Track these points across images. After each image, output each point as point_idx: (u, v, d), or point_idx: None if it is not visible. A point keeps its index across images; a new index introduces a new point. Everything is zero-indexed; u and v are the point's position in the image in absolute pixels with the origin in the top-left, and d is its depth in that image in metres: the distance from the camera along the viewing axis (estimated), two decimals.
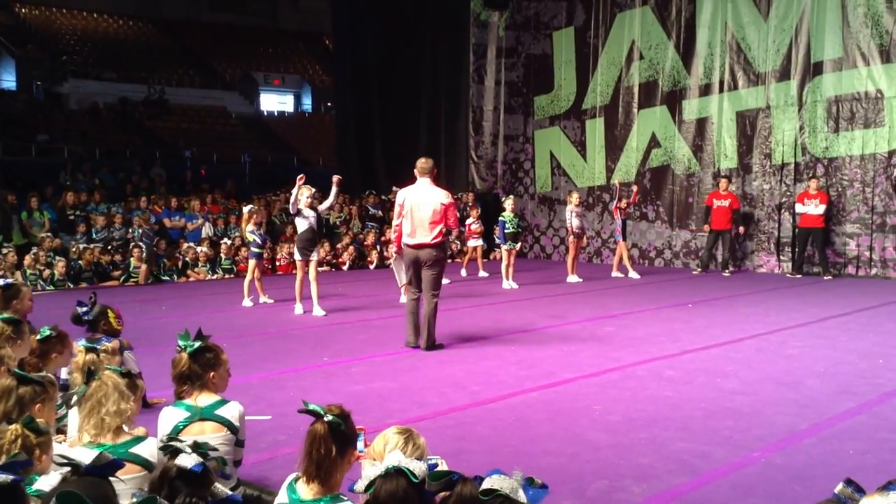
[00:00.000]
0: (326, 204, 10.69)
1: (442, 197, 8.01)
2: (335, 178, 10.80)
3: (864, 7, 13.92)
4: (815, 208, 14.05)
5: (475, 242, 15.17)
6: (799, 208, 14.32)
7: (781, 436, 5.20)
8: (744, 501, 4.12)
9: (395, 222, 8.36)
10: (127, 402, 3.27)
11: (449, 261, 13.80)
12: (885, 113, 13.86)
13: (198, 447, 2.48)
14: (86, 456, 2.51)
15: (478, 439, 5.19)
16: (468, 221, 15.23)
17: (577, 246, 14.18)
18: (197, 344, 3.74)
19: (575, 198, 14.04)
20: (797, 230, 14.64)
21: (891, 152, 13.87)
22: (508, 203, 13.58)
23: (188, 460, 2.37)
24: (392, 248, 9.79)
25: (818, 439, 5.14)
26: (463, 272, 14.95)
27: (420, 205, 7.95)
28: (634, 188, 15.64)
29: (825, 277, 13.97)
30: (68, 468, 2.37)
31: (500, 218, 13.52)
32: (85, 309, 5.44)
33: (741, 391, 6.35)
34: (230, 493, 2.19)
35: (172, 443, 2.51)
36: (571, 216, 13.85)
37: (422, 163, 8.18)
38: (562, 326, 9.48)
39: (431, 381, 6.79)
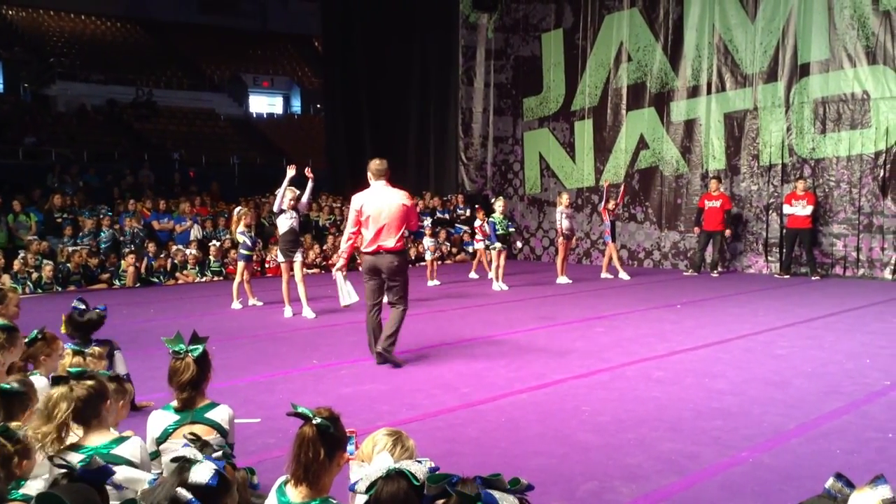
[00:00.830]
0: (304, 199, 10.53)
1: (403, 198, 7.44)
2: (308, 171, 10.63)
3: (850, 9, 14.02)
4: (802, 209, 14.14)
5: (482, 245, 15.14)
6: (786, 209, 14.41)
7: (769, 436, 5.23)
8: (732, 501, 4.14)
9: (348, 230, 7.60)
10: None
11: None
12: (871, 114, 13.96)
13: (202, 444, 2.45)
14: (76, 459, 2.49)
15: (467, 441, 5.20)
16: (476, 223, 15.18)
17: (567, 247, 14.22)
18: (200, 347, 3.69)
19: (564, 199, 14.09)
20: (785, 231, 14.73)
21: (877, 153, 13.97)
22: (499, 204, 13.56)
23: (202, 474, 2.28)
24: (339, 260, 8.53)
25: (806, 439, 5.17)
26: (472, 274, 14.89)
27: (381, 209, 7.33)
28: (621, 188, 15.70)
29: (813, 278, 14.05)
30: (63, 471, 2.35)
31: (490, 219, 13.52)
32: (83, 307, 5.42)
33: (729, 391, 6.38)
34: (191, 497, 2.15)
35: (184, 453, 2.36)
36: (561, 217, 13.90)
37: (376, 164, 7.49)
38: (551, 328, 9.50)
39: (421, 383, 6.79)
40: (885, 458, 4.78)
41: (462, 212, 18.94)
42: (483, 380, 6.89)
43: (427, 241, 14.50)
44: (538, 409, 5.92)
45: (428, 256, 14.20)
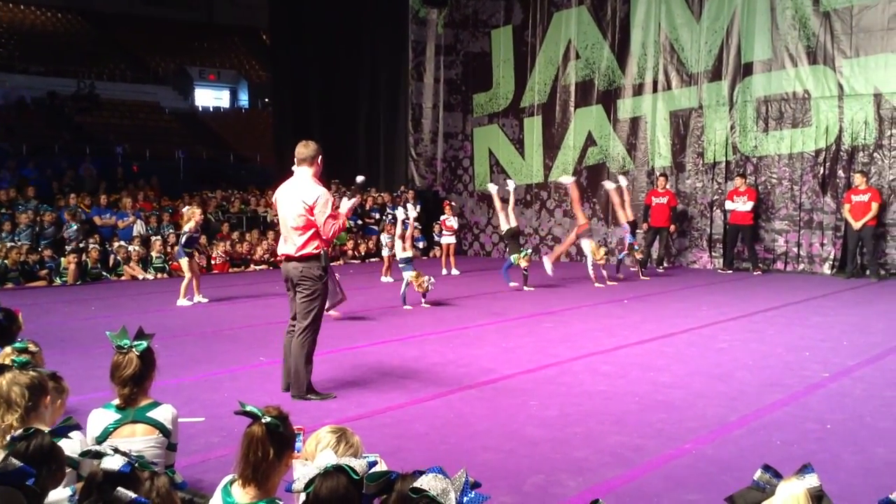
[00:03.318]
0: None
1: (307, 194, 6.00)
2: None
3: (792, 10, 14.35)
4: (743, 205, 14.47)
5: (449, 239, 15.04)
6: (728, 205, 14.73)
7: (712, 427, 5.33)
8: (675, 492, 4.20)
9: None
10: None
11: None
12: (812, 113, 14.32)
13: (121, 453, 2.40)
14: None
15: (416, 437, 5.19)
16: (442, 217, 15.10)
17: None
18: (144, 343, 3.59)
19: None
20: (727, 227, 15.04)
21: (817, 151, 14.34)
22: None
23: (114, 462, 2.28)
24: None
25: (747, 430, 5.28)
26: (444, 271, 14.74)
27: (283, 205, 6.18)
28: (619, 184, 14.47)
29: (754, 273, 14.37)
30: None
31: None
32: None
33: (674, 384, 6.49)
34: (135, 495, 2.11)
35: (92, 448, 2.42)
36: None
37: (299, 148, 6.19)
38: (501, 323, 9.54)
39: (370, 379, 6.75)
40: (823, 448, 4.91)
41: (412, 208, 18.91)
42: (432, 375, 6.88)
43: (384, 238, 14.35)
44: (487, 405, 5.94)
45: (384, 253, 14.09)
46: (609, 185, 14.08)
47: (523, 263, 12.12)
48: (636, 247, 13.93)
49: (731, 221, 14.80)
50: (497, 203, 12.93)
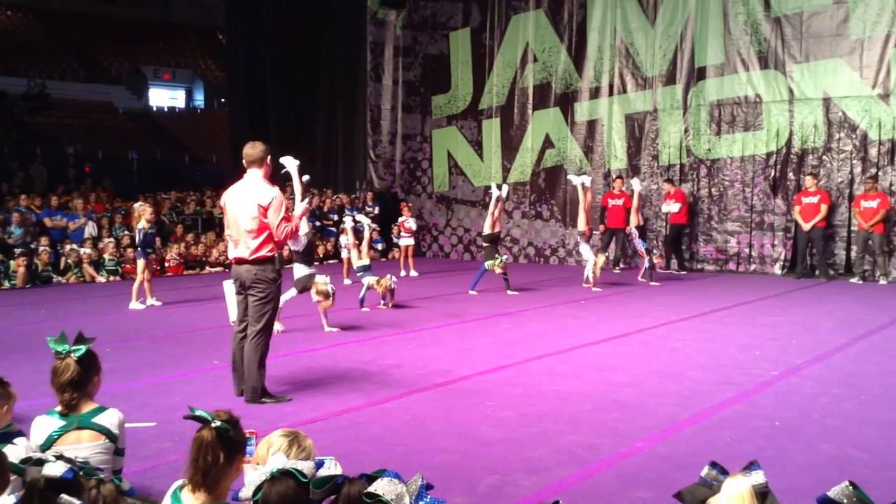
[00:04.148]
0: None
1: (260, 196, 5.95)
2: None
3: (744, 15, 14.64)
4: (674, 206, 14.88)
5: (407, 241, 14.94)
6: (664, 208, 15.07)
7: (665, 426, 5.40)
8: (628, 490, 4.25)
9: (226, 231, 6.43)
10: None
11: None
12: (763, 117, 14.62)
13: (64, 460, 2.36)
14: None
15: (371, 439, 5.17)
16: (401, 219, 15.01)
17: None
18: (83, 348, 3.52)
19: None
20: (669, 227, 15.36)
21: (768, 154, 14.64)
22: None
23: (56, 468, 2.24)
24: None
25: (699, 428, 5.36)
26: (403, 272, 14.66)
27: (235, 207, 6.06)
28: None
29: (680, 272, 14.75)
30: None
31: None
32: None
33: (628, 384, 6.57)
34: (79, 503, 2.08)
35: (33, 455, 2.36)
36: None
37: (247, 149, 6.12)
38: (459, 325, 9.55)
39: (326, 382, 6.71)
40: (772, 444, 5.01)
41: (371, 209, 18.83)
42: (389, 378, 6.86)
43: (343, 239, 14.23)
44: (443, 406, 5.94)
45: (344, 255, 14.03)
46: (576, 179, 13.69)
47: (498, 270, 11.96)
48: (654, 251, 13.98)
49: (671, 222, 15.19)
50: (492, 205, 12.41)
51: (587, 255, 12.72)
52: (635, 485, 4.32)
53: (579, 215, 12.92)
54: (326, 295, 8.95)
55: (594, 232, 14.69)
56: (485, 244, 12.58)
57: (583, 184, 13.02)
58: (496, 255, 12.11)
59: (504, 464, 4.66)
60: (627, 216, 15.11)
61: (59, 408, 3.53)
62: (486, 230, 12.44)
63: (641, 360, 7.52)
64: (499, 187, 12.70)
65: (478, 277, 12.39)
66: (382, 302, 10.82)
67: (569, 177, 15.00)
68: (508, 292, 12.15)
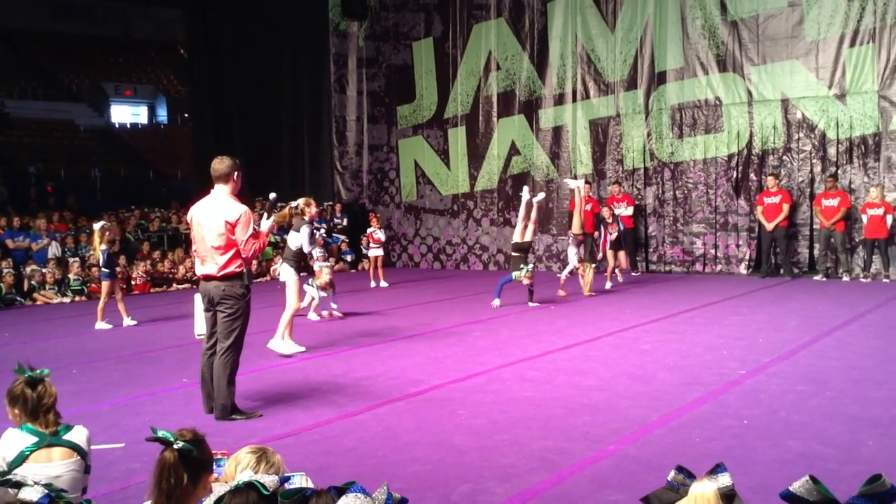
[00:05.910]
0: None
1: (228, 212, 5.92)
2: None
3: (701, 19, 14.87)
4: (625, 209, 15.07)
5: (376, 252, 14.86)
6: (617, 211, 15.21)
7: (635, 428, 5.44)
8: (600, 493, 4.28)
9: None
10: None
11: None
12: (723, 119, 14.84)
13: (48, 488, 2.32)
14: None
15: (344, 452, 5.14)
16: (370, 230, 14.99)
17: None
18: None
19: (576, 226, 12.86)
20: (623, 231, 15.49)
21: (730, 156, 14.86)
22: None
23: (33, 493, 2.20)
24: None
25: (668, 429, 5.41)
26: (373, 283, 14.63)
27: (202, 223, 6.02)
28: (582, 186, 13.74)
29: (633, 273, 14.93)
30: None
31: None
32: None
33: (598, 387, 6.61)
34: None
35: (11, 477, 2.31)
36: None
37: (215, 164, 6.08)
38: (429, 333, 9.55)
39: (296, 396, 6.67)
40: (740, 443, 5.07)
41: (339, 221, 18.78)
42: (361, 389, 6.84)
43: (315, 252, 14.14)
44: (415, 416, 5.94)
45: (316, 267, 13.93)
46: (572, 182, 13.54)
47: (525, 281, 11.40)
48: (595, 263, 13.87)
49: (625, 227, 15.31)
50: (522, 211, 11.76)
51: (572, 259, 12.66)
52: (607, 488, 4.35)
53: (574, 218, 12.93)
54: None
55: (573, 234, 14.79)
56: (513, 253, 11.84)
57: (578, 188, 13.04)
58: (522, 266, 11.46)
59: (477, 472, 4.66)
60: (595, 220, 15.23)
61: (35, 426, 3.47)
62: (516, 238, 11.75)
63: (611, 363, 7.57)
64: (530, 191, 12.23)
65: (499, 287, 11.74)
66: (332, 306, 10.98)
67: (564, 180, 15.15)
68: (530, 304, 11.52)
